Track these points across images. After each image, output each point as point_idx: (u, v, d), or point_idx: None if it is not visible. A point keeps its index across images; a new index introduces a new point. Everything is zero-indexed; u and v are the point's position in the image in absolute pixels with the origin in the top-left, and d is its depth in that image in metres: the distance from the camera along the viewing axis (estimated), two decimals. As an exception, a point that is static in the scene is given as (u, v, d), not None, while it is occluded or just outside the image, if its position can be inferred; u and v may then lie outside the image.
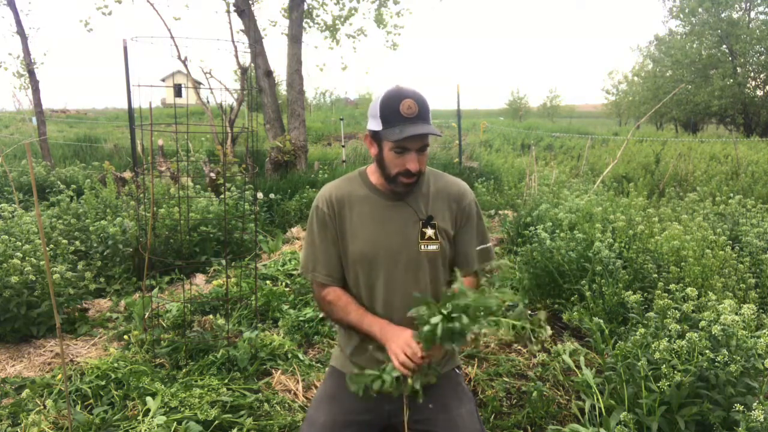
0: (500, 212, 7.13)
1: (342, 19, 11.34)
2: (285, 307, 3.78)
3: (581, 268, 3.67)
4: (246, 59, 8.24)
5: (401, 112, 1.61)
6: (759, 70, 23.11)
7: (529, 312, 1.47)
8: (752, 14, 23.39)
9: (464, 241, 1.85)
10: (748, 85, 22.62)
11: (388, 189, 1.78)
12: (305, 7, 9.59)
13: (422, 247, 1.76)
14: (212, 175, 6.73)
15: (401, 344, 1.57)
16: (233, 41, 8.17)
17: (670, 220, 4.34)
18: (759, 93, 23.19)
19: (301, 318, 3.56)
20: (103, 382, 2.66)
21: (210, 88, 8.05)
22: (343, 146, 11.90)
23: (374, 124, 1.68)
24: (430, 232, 1.77)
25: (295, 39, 9.08)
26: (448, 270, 1.86)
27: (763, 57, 22.71)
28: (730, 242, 3.60)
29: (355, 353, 1.85)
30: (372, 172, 1.82)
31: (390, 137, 1.62)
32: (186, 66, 7.74)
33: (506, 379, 2.87)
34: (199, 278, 4.57)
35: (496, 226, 6.72)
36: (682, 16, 24.14)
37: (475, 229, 1.86)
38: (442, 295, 1.55)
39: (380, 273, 1.75)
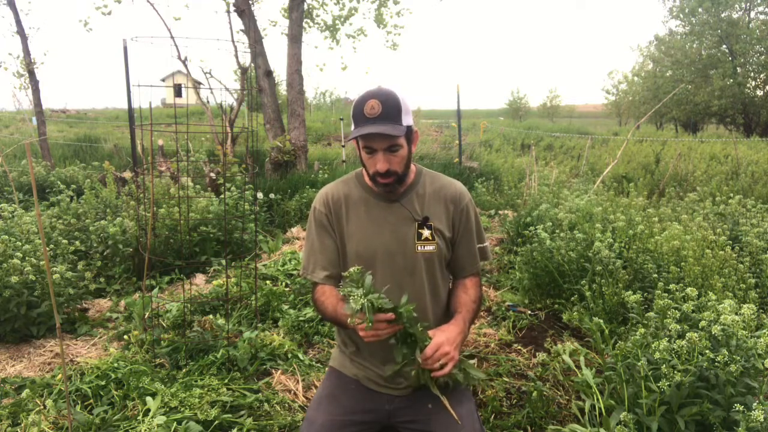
0: (500, 212, 7.13)
1: (342, 19, 11.35)
2: (285, 307, 3.77)
3: (581, 268, 3.67)
4: (246, 59, 8.24)
5: (364, 113, 1.63)
6: (759, 70, 23.10)
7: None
8: (752, 14, 23.39)
9: (465, 243, 1.86)
10: (748, 85, 22.62)
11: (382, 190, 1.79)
12: (305, 7, 9.59)
13: (418, 247, 1.77)
14: (212, 175, 6.73)
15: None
16: (233, 41, 8.18)
17: (670, 220, 4.34)
18: (759, 93, 23.21)
19: (301, 318, 3.56)
20: (103, 382, 2.66)
21: (210, 88, 8.05)
22: (343, 146, 11.89)
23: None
24: (426, 233, 1.77)
25: (294, 39, 9.08)
26: (445, 270, 1.87)
27: (763, 57, 22.71)
28: (730, 242, 3.60)
29: (356, 354, 1.86)
30: (366, 174, 1.84)
31: (350, 137, 1.67)
32: (186, 66, 7.74)
33: (506, 379, 2.87)
34: (199, 278, 4.57)
35: (496, 226, 6.72)
36: (682, 16, 24.14)
37: (474, 230, 1.87)
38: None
39: (377, 274, 1.75)
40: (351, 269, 1.48)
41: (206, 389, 2.63)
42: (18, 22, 10.03)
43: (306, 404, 2.64)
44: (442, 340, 1.57)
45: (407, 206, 1.79)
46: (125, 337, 3.29)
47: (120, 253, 4.49)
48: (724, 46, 22.73)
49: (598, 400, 2.26)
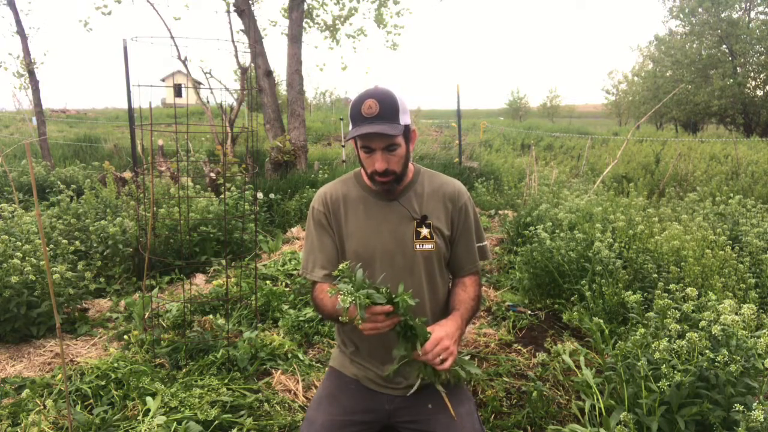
0: (500, 212, 7.13)
1: (342, 19, 11.34)
2: (285, 307, 3.77)
3: (581, 268, 3.67)
4: (246, 59, 8.25)
5: (362, 112, 1.63)
6: (759, 70, 23.09)
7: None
8: (752, 14, 23.37)
9: (463, 242, 1.86)
10: (748, 85, 22.61)
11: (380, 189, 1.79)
12: (305, 7, 9.59)
13: (417, 246, 1.77)
14: (212, 175, 6.73)
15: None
16: (233, 41, 8.18)
17: (670, 220, 4.34)
18: (759, 93, 23.19)
19: (301, 318, 3.56)
20: (103, 382, 2.66)
21: (210, 88, 8.05)
22: (343, 146, 11.90)
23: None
24: (425, 231, 1.78)
25: (294, 39, 9.08)
26: (444, 269, 1.87)
27: (763, 57, 22.70)
28: (730, 242, 3.60)
29: (356, 354, 1.86)
30: (365, 173, 1.84)
31: (348, 137, 1.67)
32: (186, 66, 7.74)
33: (506, 379, 2.87)
34: (199, 278, 4.57)
35: (496, 226, 6.72)
36: (682, 16, 24.13)
37: (473, 229, 1.87)
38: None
39: (376, 273, 1.75)
40: (341, 265, 1.47)
41: (206, 389, 2.63)
42: (18, 22, 10.03)
43: (306, 404, 2.64)
44: (442, 335, 1.57)
45: (405, 205, 1.79)
46: (125, 337, 3.29)
47: (120, 253, 4.49)
48: (724, 46, 22.73)
49: (598, 400, 2.26)
